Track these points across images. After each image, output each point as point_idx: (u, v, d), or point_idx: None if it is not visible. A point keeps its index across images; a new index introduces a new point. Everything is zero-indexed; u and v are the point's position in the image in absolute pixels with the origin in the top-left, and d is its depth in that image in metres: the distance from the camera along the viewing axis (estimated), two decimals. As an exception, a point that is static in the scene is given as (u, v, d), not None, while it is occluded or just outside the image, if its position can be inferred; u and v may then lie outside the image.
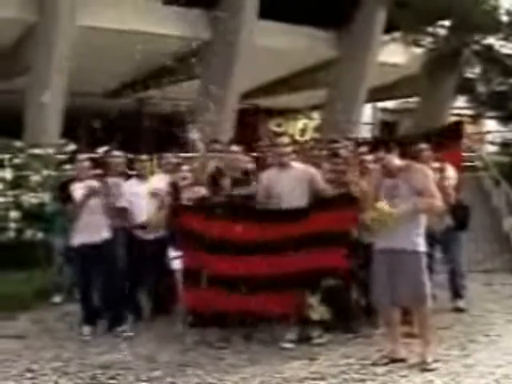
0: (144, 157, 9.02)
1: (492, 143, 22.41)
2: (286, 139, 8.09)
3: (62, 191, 8.82)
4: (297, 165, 7.99)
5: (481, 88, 20.14)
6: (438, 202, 6.96)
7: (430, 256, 7.68)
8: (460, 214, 9.06)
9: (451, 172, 8.93)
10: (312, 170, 8.02)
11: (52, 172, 12.06)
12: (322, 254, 7.42)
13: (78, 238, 8.28)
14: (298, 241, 7.46)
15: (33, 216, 11.33)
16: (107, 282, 8.36)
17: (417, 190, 6.86)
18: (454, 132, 9.65)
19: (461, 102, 26.70)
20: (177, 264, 7.90)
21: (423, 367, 6.80)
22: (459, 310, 9.08)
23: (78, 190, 8.25)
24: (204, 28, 19.06)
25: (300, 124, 30.35)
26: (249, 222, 7.62)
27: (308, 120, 30.37)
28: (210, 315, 7.75)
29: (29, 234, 11.15)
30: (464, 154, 9.53)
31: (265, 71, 21.66)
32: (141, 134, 21.33)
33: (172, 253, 8.02)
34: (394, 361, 7.00)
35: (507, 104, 19.31)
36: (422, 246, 6.96)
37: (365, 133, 26.04)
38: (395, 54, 23.55)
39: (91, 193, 8.17)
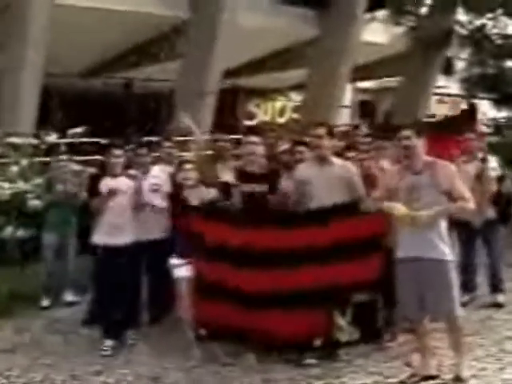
0: (144, 150, 8.27)
1: (487, 126, 21.81)
2: (323, 130, 7.12)
3: (91, 184, 8.12)
4: (337, 161, 7.19)
5: (473, 70, 19.65)
6: (470, 203, 6.29)
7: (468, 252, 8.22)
8: (502, 206, 8.56)
9: (494, 162, 8.46)
10: (353, 168, 7.23)
11: (33, 161, 11.13)
12: (352, 266, 6.64)
13: (102, 238, 7.59)
14: (326, 249, 6.65)
15: (12, 210, 10.39)
16: (126, 286, 7.61)
17: (443, 189, 6.19)
18: (469, 117, 9.03)
19: (443, 82, 26.34)
20: (180, 272, 7.06)
21: (460, 386, 6.16)
22: (498, 306, 8.65)
23: (105, 186, 7.64)
24: (185, 6, 18.24)
25: (279, 104, 29.68)
26: (269, 227, 6.79)
27: (287, 101, 29.68)
28: (223, 330, 6.94)
29: (8, 230, 10.20)
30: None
31: (245, 50, 21.09)
32: (126, 116, 20.57)
33: (174, 260, 7.16)
34: (425, 378, 6.35)
35: (500, 86, 18.85)
36: (448, 253, 6.29)
37: (344, 114, 25.48)
38: (377, 33, 23.00)
39: (112, 193, 7.52)
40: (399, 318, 7.13)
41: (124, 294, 7.59)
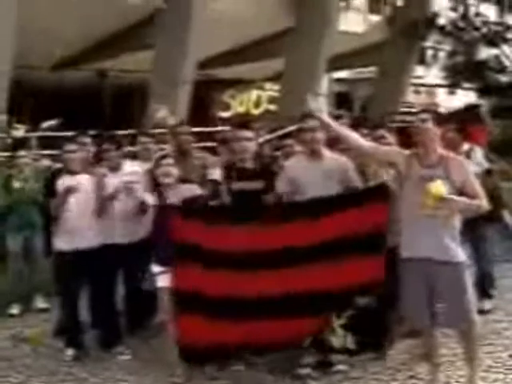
0: (110, 145, 7.39)
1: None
2: (315, 122, 6.38)
3: (50, 184, 7.30)
4: (329, 154, 6.53)
5: (457, 58, 19.29)
6: (484, 202, 5.69)
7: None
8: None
9: (479, 156, 7.86)
10: (346, 161, 6.54)
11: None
12: (353, 265, 5.94)
13: (63, 243, 6.94)
14: (322, 247, 5.95)
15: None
16: (98, 294, 7.07)
17: (456, 185, 5.60)
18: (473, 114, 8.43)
19: (421, 72, 26.01)
20: (161, 281, 6.35)
21: (473, 401, 5.59)
22: (484, 313, 7.72)
23: (62, 186, 6.94)
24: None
25: (254, 95, 29.10)
26: (257, 223, 6.09)
27: (262, 91, 29.11)
28: (209, 349, 6.14)
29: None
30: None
31: (220, 40, 20.58)
32: (98, 109, 19.90)
33: (155, 267, 6.45)
34: (434, 392, 5.79)
35: (484, 75, 18.45)
36: (460, 254, 5.68)
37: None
38: (353, 23, 22.67)
39: (69, 191, 6.82)
40: (398, 322, 6.54)
41: (96, 301, 7.09)
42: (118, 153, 7.39)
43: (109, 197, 6.95)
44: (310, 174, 6.33)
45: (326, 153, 6.50)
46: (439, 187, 5.41)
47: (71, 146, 7.08)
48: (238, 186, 6.54)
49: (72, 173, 7.03)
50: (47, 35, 17.35)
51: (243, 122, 8.86)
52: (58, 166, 8.63)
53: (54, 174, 7.52)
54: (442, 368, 6.04)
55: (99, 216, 6.99)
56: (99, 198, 6.97)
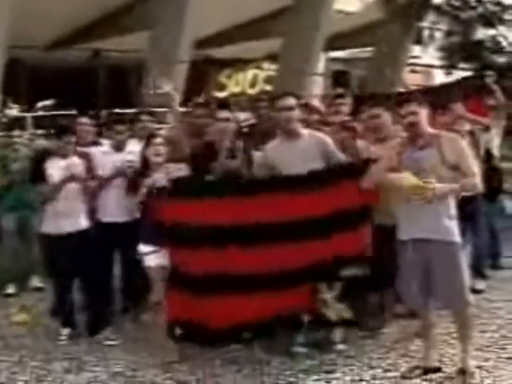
0: (118, 123, 7.35)
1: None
2: (291, 101, 6.34)
3: (35, 167, 7.27)
4: (306, 132, 6.42)
5: (453, 38, 19.24)
6: (478, 180, 5.69)
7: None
8: (491, 182, 7.86)
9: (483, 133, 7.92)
10: (326, 137, 6.43)
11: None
12: (339, 238, 5.98)
13: (52, 226, 6.95)
14: (310, 221, 5.94)
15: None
16: (88, 276, 7.05)
17: (450, 163, 5.59)
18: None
19: (417, 52, 25.93)
20: (150, 260, 6.35)
21: (466, 380, 5.61)
22: (477, 292, 7.67)
23: (55, 169, 6.90)
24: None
25: (250, 75, 28.95)
26: (244, 197, 6.01)
27: (258, 71, 28.96)
28: (201, 328, 6.11)
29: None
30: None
31: (217, 20, 20.42)
32: (94, 89, 19.80)
33: (143, 247, 6.46)
34: (427, 371, 5.80)
35: (480, 55, 18.40)
36: (456, 233, 5.68)
37: (317, 84, 24.90)
38: (350, 2, 22.50)
39: (73, 177, 6.84)
40: (392, 302, 6.70)
41: (86, 283, 7.11)
42: (124, 131, 7.37)
43: (107, 179, 7.01)
44: (287, 155, 6.22)
45: (304, 131, 6.41)
46: (409, 179, 5.45)
47: (68, 138, 7.00)
48: (217, 164, 6.49)
49: (64, 156, 6.99)
50: (41, 15, 17.26)
51: (222, 102, 8.84)
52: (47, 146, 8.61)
53: (40, 157, 7.42)
54: (435, 346, 6.06)
55: (91, 196, 7.07)
56: (88, 180, 7.01)
